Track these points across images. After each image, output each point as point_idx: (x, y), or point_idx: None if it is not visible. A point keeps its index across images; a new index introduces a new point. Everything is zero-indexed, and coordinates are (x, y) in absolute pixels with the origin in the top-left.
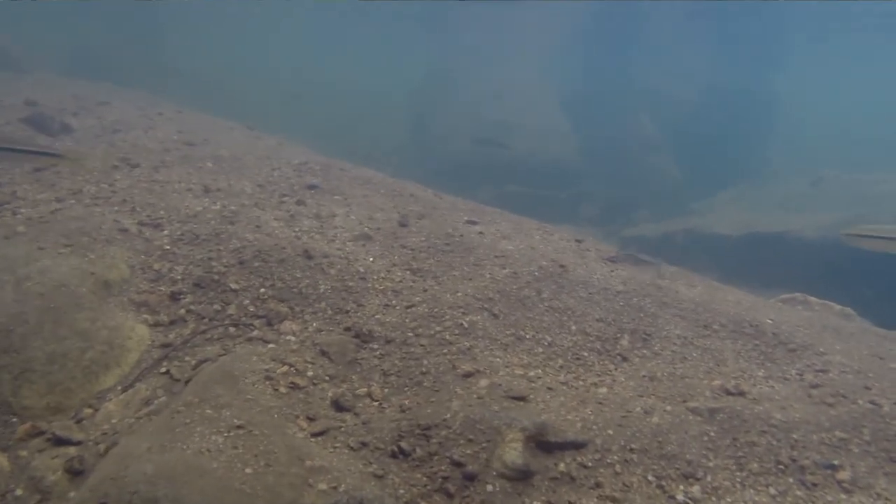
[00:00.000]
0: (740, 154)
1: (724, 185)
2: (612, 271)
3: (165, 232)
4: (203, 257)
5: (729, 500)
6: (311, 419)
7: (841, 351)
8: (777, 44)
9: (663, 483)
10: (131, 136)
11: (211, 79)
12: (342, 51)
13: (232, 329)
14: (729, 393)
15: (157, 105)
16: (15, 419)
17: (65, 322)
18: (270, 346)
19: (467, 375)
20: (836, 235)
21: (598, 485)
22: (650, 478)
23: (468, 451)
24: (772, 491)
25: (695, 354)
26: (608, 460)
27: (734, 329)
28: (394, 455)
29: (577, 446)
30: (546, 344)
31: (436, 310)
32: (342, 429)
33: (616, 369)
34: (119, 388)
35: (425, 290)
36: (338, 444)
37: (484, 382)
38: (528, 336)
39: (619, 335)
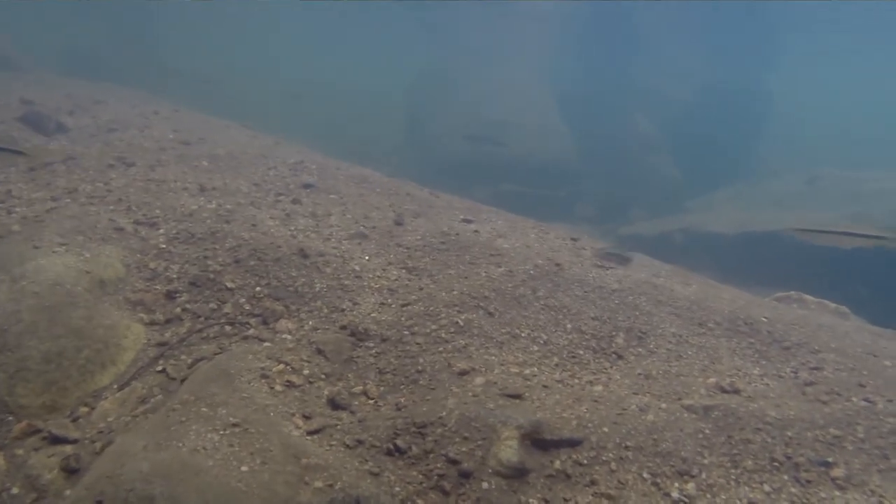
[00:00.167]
0: (737, 153)
1: (720, 183)
2: (606, 270)
3: (161, 231)
4: (199, 256)
5: (724, 497)
6: (306, 417)
7: (835, 349)
8: (774, 43)
9: (658, 480)
10: (127, 135)
11: (211, 78)
12: (342, 51)
13: (228, 328)
14: (724, 391)
15: (153, 104)
16: (11, 418)
17: (60, 321)
18: (266, 344)
19: (463, 373)
20: None
21: (593, 482)
22: (645, 475)
23: (464, 449)
24: (766, 488)
25: (690, 352)
26: (603, 458)
27: (729, 327)
28: (390, 453)
29: (573, 444)
30: (541, 342)
31: (431, 308)
32: (338, 427)
33: (611, 367)
34: (115, 386)
35: (421, 289)
36: (334, 442)
37: (479, 380)
38: (523, 334)
39: (614, 333)
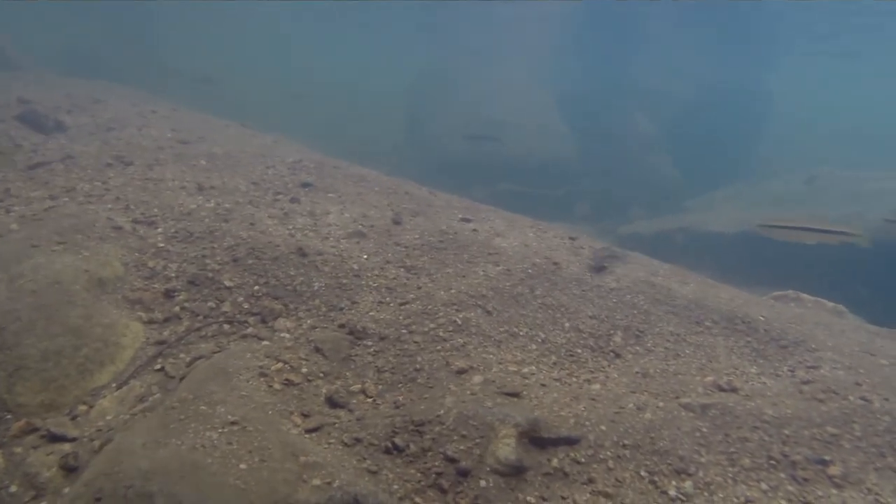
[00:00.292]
0: (736, 153)
1: (719, 183)
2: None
3: (159, 230)
4: (197, 255)
5: (721, 495)
6: (305, 415)
7: (833, 348)
8: (774, 43)
9: (656, 478)
10: (125, 133)
11: (211, 78)
12: (341, 51)
13: (226, 326)
14: (721, 389)
15: (151, 103)
16: (9, 416)
17: (58, 319)
18: (265, 343)
19: (461, 372)
20: None
21: (590, 480)
22: (643, 473)
23: (462, 447)
24: (763, 486)
25: (687, 351)
26: (601, 456)
27: (727, 326)
28: (388, 451)
29: (571, 442)
30: (539, 341)
31: (429, 307)
32: (336, 425)
33: (609, 366)
34: (113, 385)
35: (419, 288)
36: (332, 441)
37: (477, 379)
38: (521, 333)
39: (612, 332)
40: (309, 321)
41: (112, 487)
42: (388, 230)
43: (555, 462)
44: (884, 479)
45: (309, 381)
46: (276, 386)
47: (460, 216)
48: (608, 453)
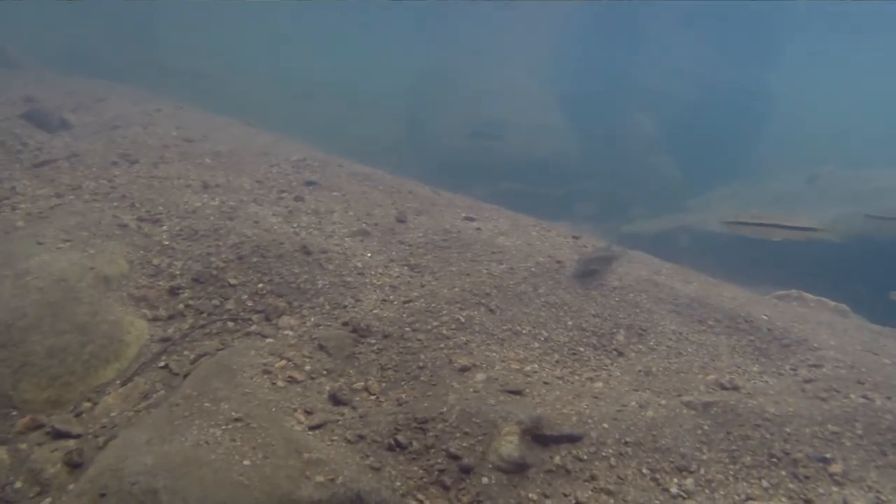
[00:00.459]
0: (737, 152)
1: (720, 182)
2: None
3: (164, 227)
4: (202, 253)
5: (722, 492)
6: (308, 412)
7: (835, 346)
8: (774, 43)
9: (657, 476)
10: (130, 132)
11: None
12: (341, 51)
13: (230, 324)
14: (723, 387)
15: (155, 102)
16: (14, 412)
17: (64, 316)
18: (268, 340)
19: (464, 370)
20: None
21: (593, 477)
22: (644, 471)
23: (464, 444)
24: (764, 484)
25: (690, 349)
26: (603, 453)
27: (729, 325)
28: (391, 448)
29: (573, 439)
30: (542, 339)
31: (433, 305)
32: (339, 422)
33: (612, 364)
34: (118, 381)
35: (423, 286)
36: (335, 437)
37: (480, 377)
38: (524, 331)
39: (614, 330)
40: (313, 319)
41: (117, 483)
42: (392, 228)
43: (557, 459)
44: (884, 477)
45: (312, 378)
46: (280, 383)
47: (464, 215)
48: (610, 451)
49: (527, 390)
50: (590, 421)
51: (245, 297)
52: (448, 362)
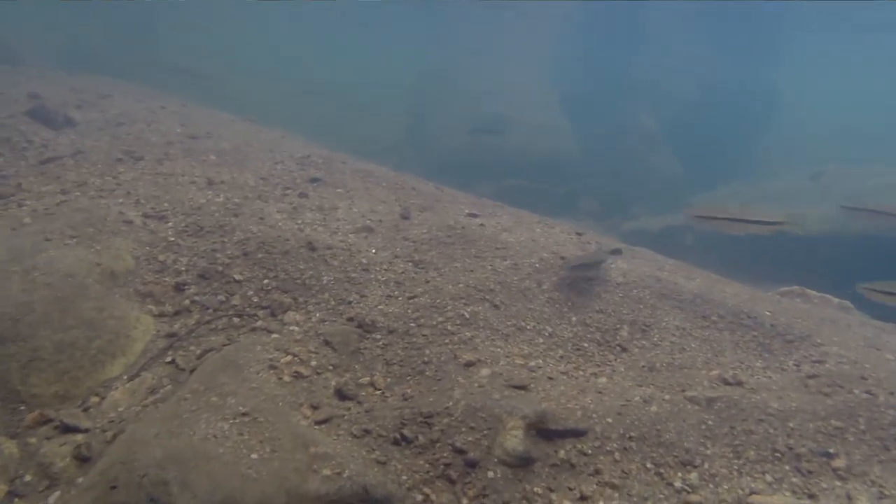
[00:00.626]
0: (740, 150)
1: (722, 181)
2: (611, 264)
3: (170, 224)
4: (207, 249)
5: (726, 486)
6: (314, 407)
7: (838, 342)
8: (776, 42)
9: (661, 470)
10: (135, 129)
11: (211, 78)
12: (341, 50)
13: (236, 319)
14: (727, 383)
15: (159, 99)
16: (23, 407)
17: (72, 312)
18: (274, 336)
19: (469, 365)
20: (835, 230)
21: (597, 471)
22: (649, 465)
23: (470, 439)
24: (768, 478)
25: (693, 345)
26: (607, 448)
27: (732, 320)
28: (396, 442)
29: (577, 434)
30: (546, 334)
31: (438, 301)
32: (345, 417)
33: (616, 360)
34: (125, 376)
35: (427, 282)
36: (341, 432)
37: (485, 372)
38: (528, 327)
39: (618, 326)
40: (318, 314)
41: (127, 475)
42: (397, 225)
43: (562, 454)
44: (888, 472)
45: (318, 373)
46: (286, 378)
47: (467, 211)
48: (615, 445)
49: (531, 385)
50: (594, 416)
51: (250, 292)
52: (453, 357)
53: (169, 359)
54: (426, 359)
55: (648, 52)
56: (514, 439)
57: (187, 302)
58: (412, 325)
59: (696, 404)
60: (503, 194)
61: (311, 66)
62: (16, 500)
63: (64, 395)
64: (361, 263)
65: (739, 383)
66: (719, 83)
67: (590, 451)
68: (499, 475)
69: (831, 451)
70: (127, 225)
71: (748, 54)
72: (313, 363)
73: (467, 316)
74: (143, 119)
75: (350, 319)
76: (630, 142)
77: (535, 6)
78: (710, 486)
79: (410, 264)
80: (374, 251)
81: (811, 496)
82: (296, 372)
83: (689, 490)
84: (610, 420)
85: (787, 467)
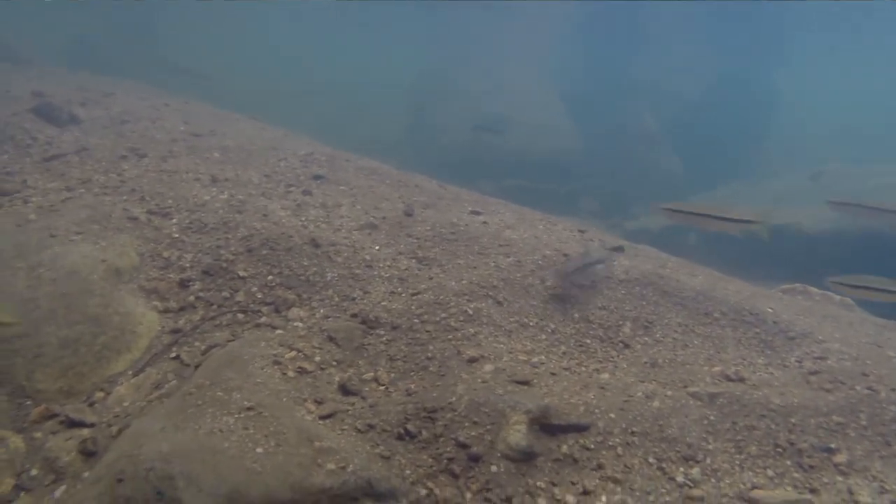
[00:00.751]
0: (741, 150)
1: (723, 180)
2: (613, 262)
3: (174, 220)
4: (211, 245)
5: (728, 481)
6: (318, 402)
7: (840, 339)
8: (778, 41)
9: (664, 465)
10: (139, 126)
11: (211, 78)
12: (341, 50)
13: (240, 315)
14: (729, 379)
15: (163, 97)
16: (29, 402)
17: (77, 308)
18: (278, 331)
19: (472, 360)
20: (836, 229)
21: (600, 466)
22: (651, 460)
23: (473, 434)
24: (770, 473)
25: (696, 342)
26: (610, 443)
27: (735, 317)
28: (400, 437)
29: (580, 429)
30: (549, 331)
31: (441, 297)
32: (349, 412)
33: (618, 356)
34: (130, 372)
35: (431, 278)
36: (345, 427)
37: (488, 367)
38: (531, 323)
39: (621, 323)
40: (322, 311)
41: (133, 469)
42: (400, 222)
43: (564, 448)
44: (889, 467)
45: (322, 369)
46: (290, 373)
47: (470, 209)
48: (617, 440)
49: (534, 381)
50: (597, 411)
51: (255, 289)
52: (456, 353)
53: (174, 354)
54: (430, 354)
55: (648, 52)
56: (518, 434)
57: (192, 298)
58: (416, 321)
59: (698, 400)
60: (505, 193)
61: (311, 66)
62: (22, 493)
63: (69, 391)
64: (365, 260)
65: (741, 379)
66: (719, 83)
67: (592, 446)
68: (502, 469)
69: (833, 446)
70: (131, 222)
71: (748, 54)
72: (317, 359)
73: (470, 312)
74: (147, 117)
75: (354, 315)
76: (630, 142)
77: (536, 6)
78: (712, 480)
79: (414, 261)
80: (377, 248)
81: (812, 491)
82: (300, 367)
83: (692, 485)
84: (612, 415)
85: (788, 462)
